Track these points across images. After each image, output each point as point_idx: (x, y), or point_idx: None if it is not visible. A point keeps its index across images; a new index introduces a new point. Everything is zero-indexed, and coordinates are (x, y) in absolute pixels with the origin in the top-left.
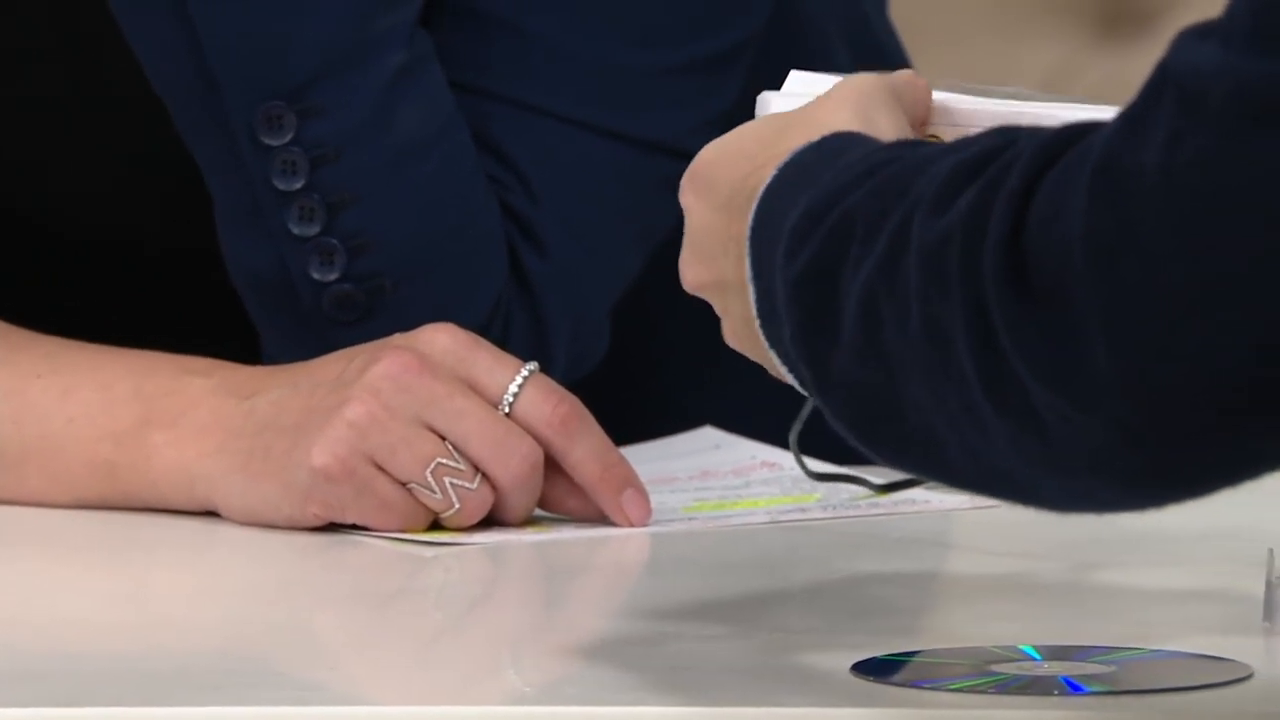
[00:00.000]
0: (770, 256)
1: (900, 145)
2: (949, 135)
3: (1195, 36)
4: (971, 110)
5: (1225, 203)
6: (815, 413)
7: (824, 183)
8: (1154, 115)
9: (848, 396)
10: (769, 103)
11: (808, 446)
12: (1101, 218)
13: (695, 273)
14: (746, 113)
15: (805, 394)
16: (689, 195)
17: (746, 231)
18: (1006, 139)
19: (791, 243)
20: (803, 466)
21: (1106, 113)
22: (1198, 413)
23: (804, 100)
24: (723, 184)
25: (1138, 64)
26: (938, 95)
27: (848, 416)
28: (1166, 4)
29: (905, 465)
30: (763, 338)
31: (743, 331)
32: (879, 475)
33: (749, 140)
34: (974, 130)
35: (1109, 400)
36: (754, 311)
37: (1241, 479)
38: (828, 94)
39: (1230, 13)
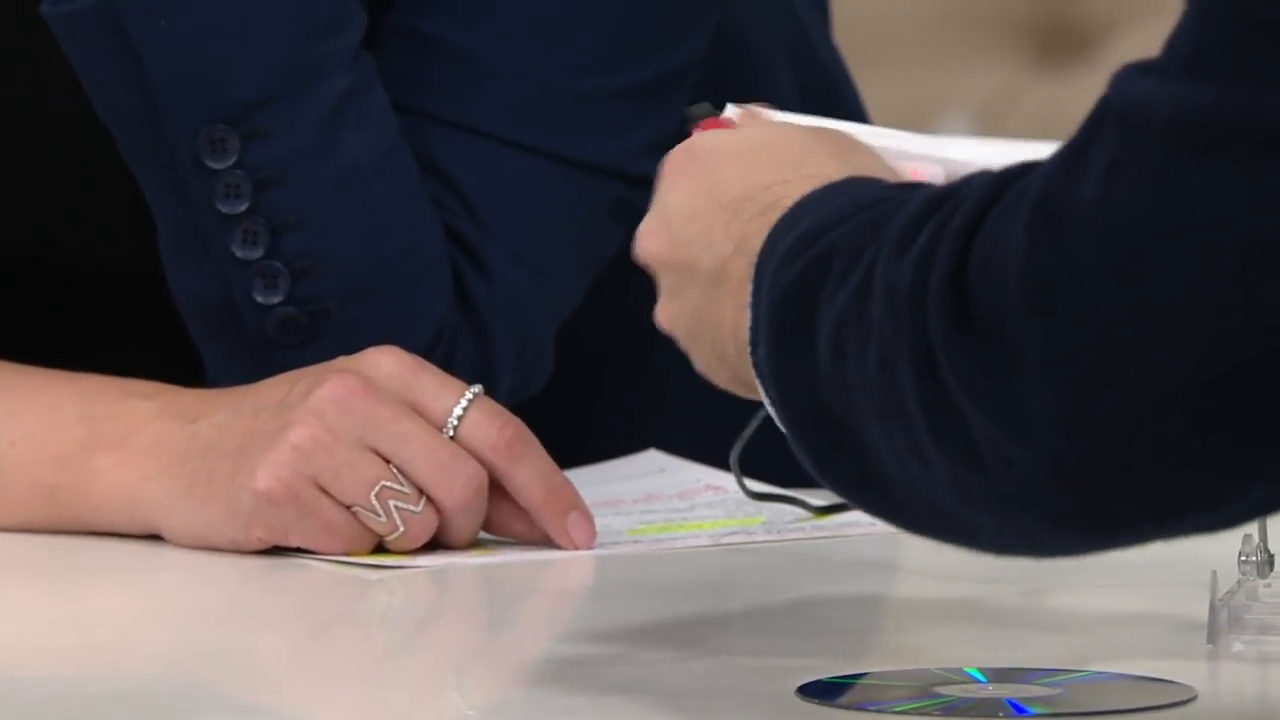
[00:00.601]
0: (763, 270)
1: (899, 186)
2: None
3: (1136, 71)
4: (898, 150)
5: (1163, 232)
6: (759, 435)
7: (826, 211)
8: (1093, 148)
9: (810, 424)
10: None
11: (751, 468)
12: (1039, 251)
13: (659, 246)
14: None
15: (769, 412)
16: (676, 171)
17: (759, 243)
18: (968, 180)
19: (783, 260)
20: (742, 486)
21: (1041, 150)
22: (1132, 449)
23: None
24: (731, 179)
25: (1077, 88)
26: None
27: (808, 444)
28: (1105, 29)
29: (856, 500)
30: (748, 345)
31: (687, 320)
32: (819, 497)
33: (774, 149)
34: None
35: (1046, 434)
36: (747, 318)
37: (1172, 524)
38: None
39: (1170, 45)
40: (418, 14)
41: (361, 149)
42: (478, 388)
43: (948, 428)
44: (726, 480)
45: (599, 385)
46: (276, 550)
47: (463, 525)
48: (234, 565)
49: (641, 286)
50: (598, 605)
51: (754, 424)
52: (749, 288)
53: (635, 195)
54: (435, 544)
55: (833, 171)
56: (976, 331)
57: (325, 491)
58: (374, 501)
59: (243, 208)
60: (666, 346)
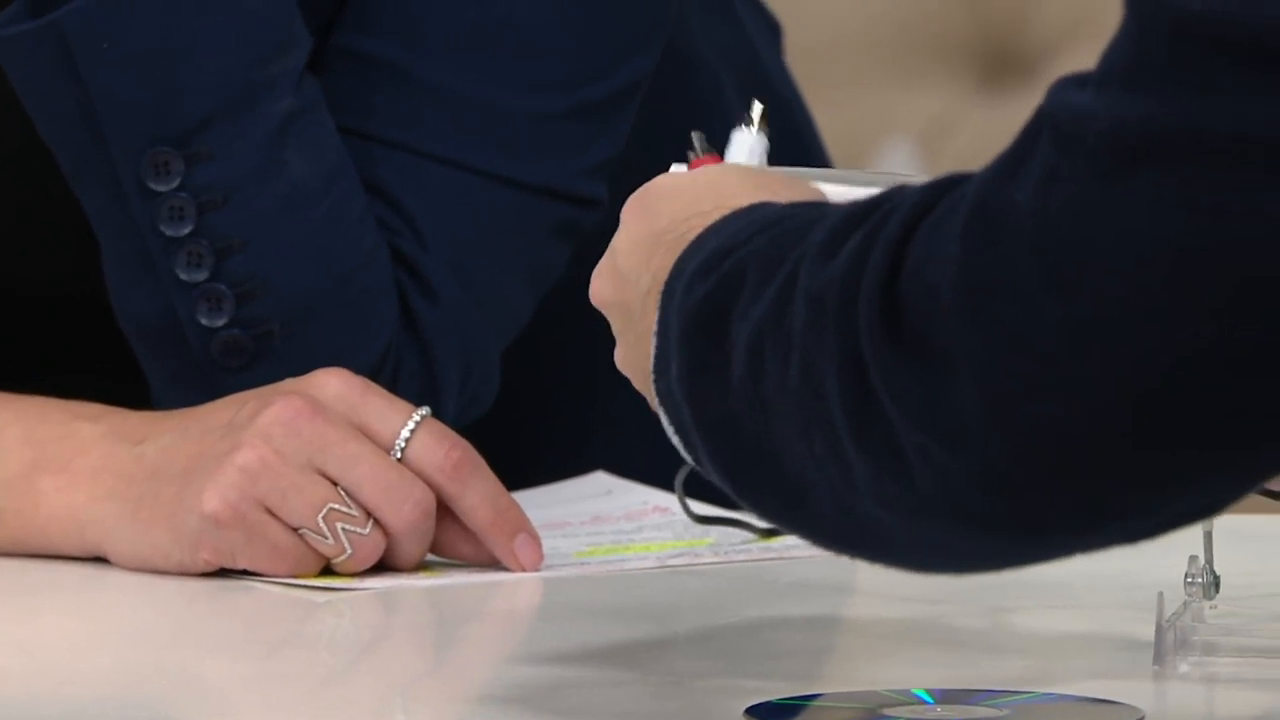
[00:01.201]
0: (670, 295)
1: (806, 205)
2: None
3: (1073, 83)
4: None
5: (1096, 242)
6: None
7: (733, 230)
8: (1029, 157)
9: (725, 441)
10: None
11: (698, 491)
12: (974, 258)
13: (605, 288)
14: (634, 155)
15: (678, 442)
16: (630, 212)
17: (665, 273)
18: (898, 190)
19: (691, 281)
20: (687, 511)
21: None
22: (1061, 456)
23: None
24: (664, 215)
25: (1019, 113)
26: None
27: (723, 461)
28: (1048, 54)
29: (775, 516)
30: (652, 378)
31: (632, 357)
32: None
33: (706, 184)
34: None
35: (976, 440)
36: (652, 348)
37: (1098, 533)
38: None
39: (1106, 58)
40: (363, 35)
41: (306, 171)
42: (425, 409)
43: (873, 433)
44: (674, 502)
45: (546, 407)
46: (223, 572)
47: (410, 547)
48: (181, 587)
49: (589, 307)
50: (545, 627)
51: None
52: (655, 315)
53: (581, 216)
54: (383, 566)
55: (747, 202)
56: (908, 337)
57: (272, 514)
58: (321, 524)
59: (186, 230)
60: (614, 367)
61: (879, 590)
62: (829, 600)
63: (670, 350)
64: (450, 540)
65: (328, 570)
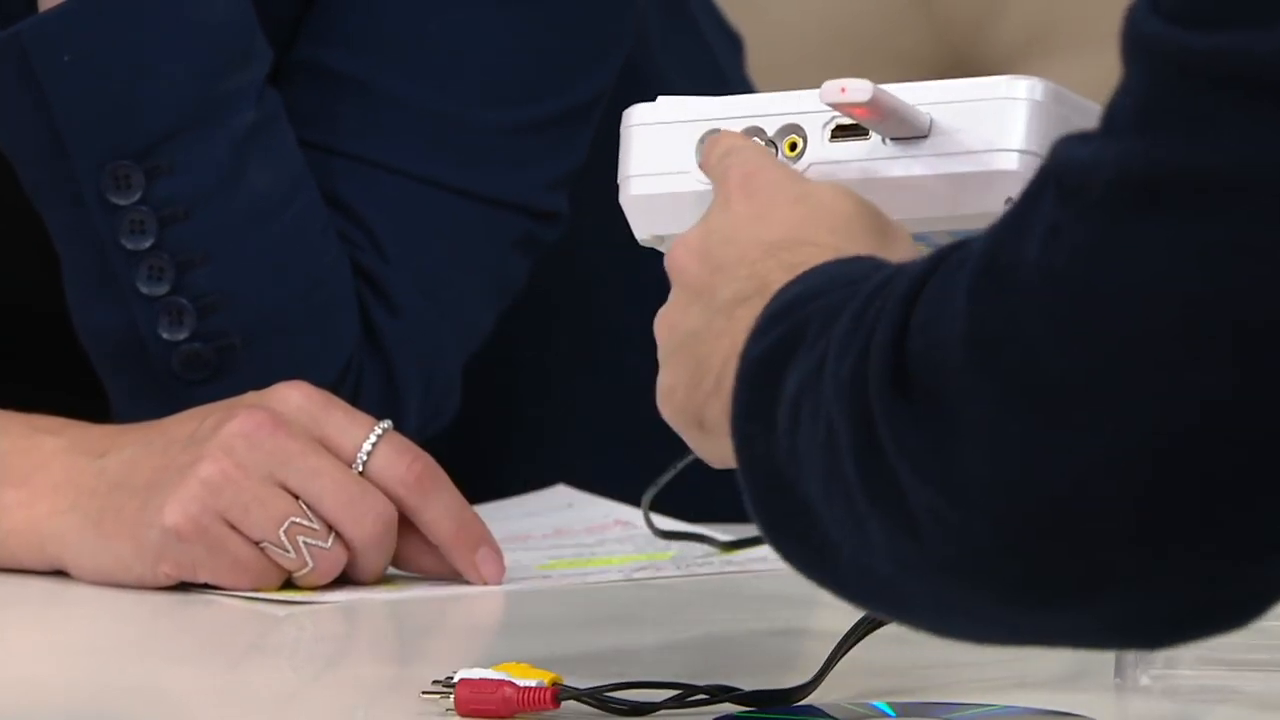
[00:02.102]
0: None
1: (900, 267)
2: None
3: (1077, 140)
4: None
5: (1104, 294)
6: (690, 479)
7: (816, 281)
8: (1034, 213)
9: (765, 489)
10: (632, 114)
11: (660, 505)
12: (981, 314)
13: (690, 263)
14: (594, 169)
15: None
16: (738, 195)
17: (767, 295)
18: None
19: (763, 323)
20: (651, 526)
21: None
22: (1076, 517)
23: (673, 122)
24: (778, 223)
25: None
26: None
27: (762, 510)
28: (1005, 66)
29: (806, 571)
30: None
31: (681, 336)
32: (727, 533)
33: (825, 206)
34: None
35: (986, 498)
36: (734, 370)
37: (1116, 597)
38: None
39: (1110, 108)
40: (323, 48)
41: (267, 184)
42: (387, 423)
43: (884, 492)
44: (635, 516)
45: (508, 420)
46: (185, 586)
47: (372, 560)
48: (142, 600)
49: (549, 320)
50: (507, 640)
51: (671, 472)
52: (742, 338)
53: (541, 229)
54: (344, 579)
55: (861, 248)
56: (915, 393)
57: (234, 527)
58: (283, 537)
59: (148, 243)
60: (575, 381)
61: (840, 603)
62: (790, 612)
63: (734, 391)
64: (412, 553)
65: (289, 584)
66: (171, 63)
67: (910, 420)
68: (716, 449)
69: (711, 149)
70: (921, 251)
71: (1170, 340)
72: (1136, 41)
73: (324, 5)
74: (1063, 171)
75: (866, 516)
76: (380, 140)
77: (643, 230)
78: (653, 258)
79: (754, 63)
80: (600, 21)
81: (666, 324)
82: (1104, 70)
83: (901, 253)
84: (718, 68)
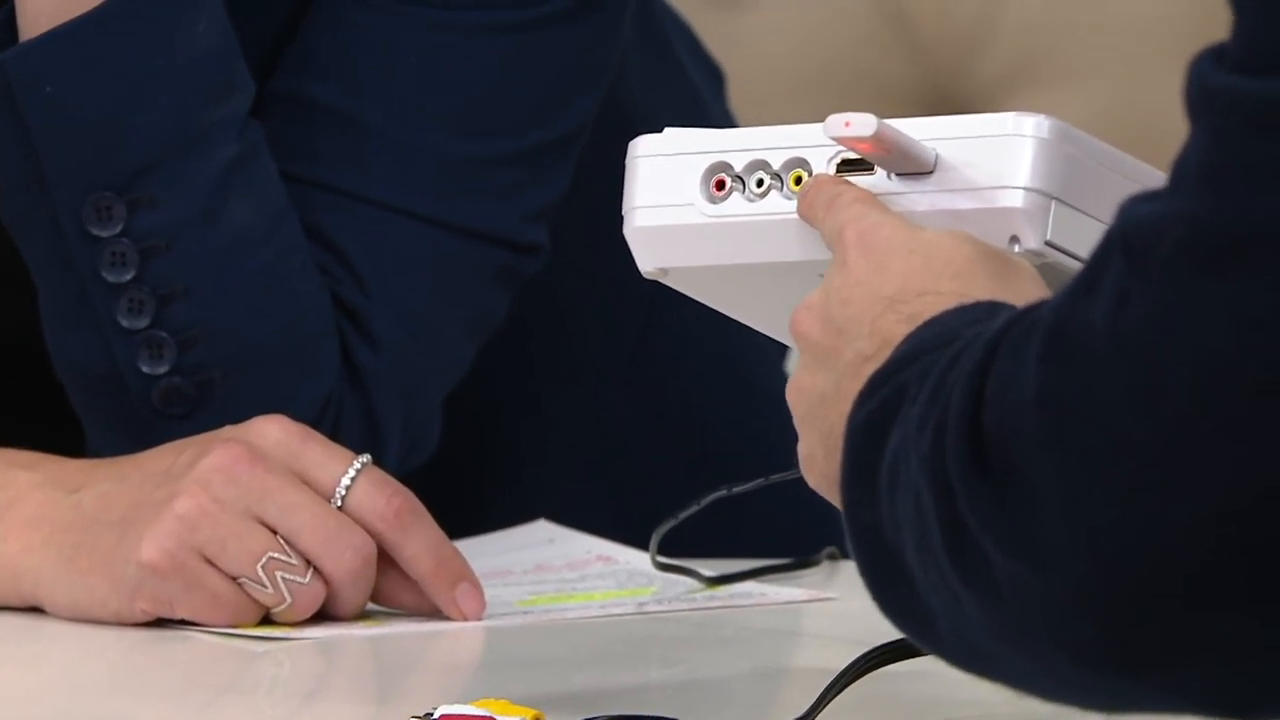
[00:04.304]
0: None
1: (1011, 308)
2: None
3: (1144, 199)
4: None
5: (1175, 358)
6: (658, 506)
7: (926, 336)
8: (1103, 276)
9: (871, 555)
10: (638, 146)
11: (643, 540)
12: (1052, 382)
13: (813, 329)
14: (574, 203)
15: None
16: (856, 254)
17: (890, 348)
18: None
19: (868, 388)
20: (654, 558)
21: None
22: (1155, 582)
23: (679, 154)
24: (895, 275)
25: None
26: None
27: (869, 575)
28: (991, 100)
29: (914, 636)
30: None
31: (811, 401)
32: (711, 568)
33: (943, 254)
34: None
35: (1065, 565)
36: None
37: (1200, 663)
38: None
39: (1178, 164)
40: (305, 80)
41: (249, 217)
42: (366, 457)
43: (970, 564)
44: (616, 551)
45: (488, 454)
46: (161, 622)
47: (351, 596)
48: (119, 637)
49: (531, 354)
50: (488, 677)
51: (690, 510)
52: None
53: (522, 262)
54: (323, 615)
55: (982, 291)
56: (991, 464)
57: (211, 562)
58: (260, 573)
59: (128, 276)
60: (554, 415)
61: (828, 639)
62: (778, 649)
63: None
64: (391, 589)
65: (267, 620)
66: (154, 94)
67: (988, 495)
68: None
69: (814, 197)
70: (1046, 292)
71: (1244, 402)
72: (1201, 96)
73: (306, 36)
74: (1130, 232)
75: (958, 588)
76: (361, 173)
77: (647, 263)
78: (634, 289)
79: (735, 96)
80: (582, 53)
81: (796, 389)
82: (1089, 103)
83: (1026, 290)
84: (700, 101)
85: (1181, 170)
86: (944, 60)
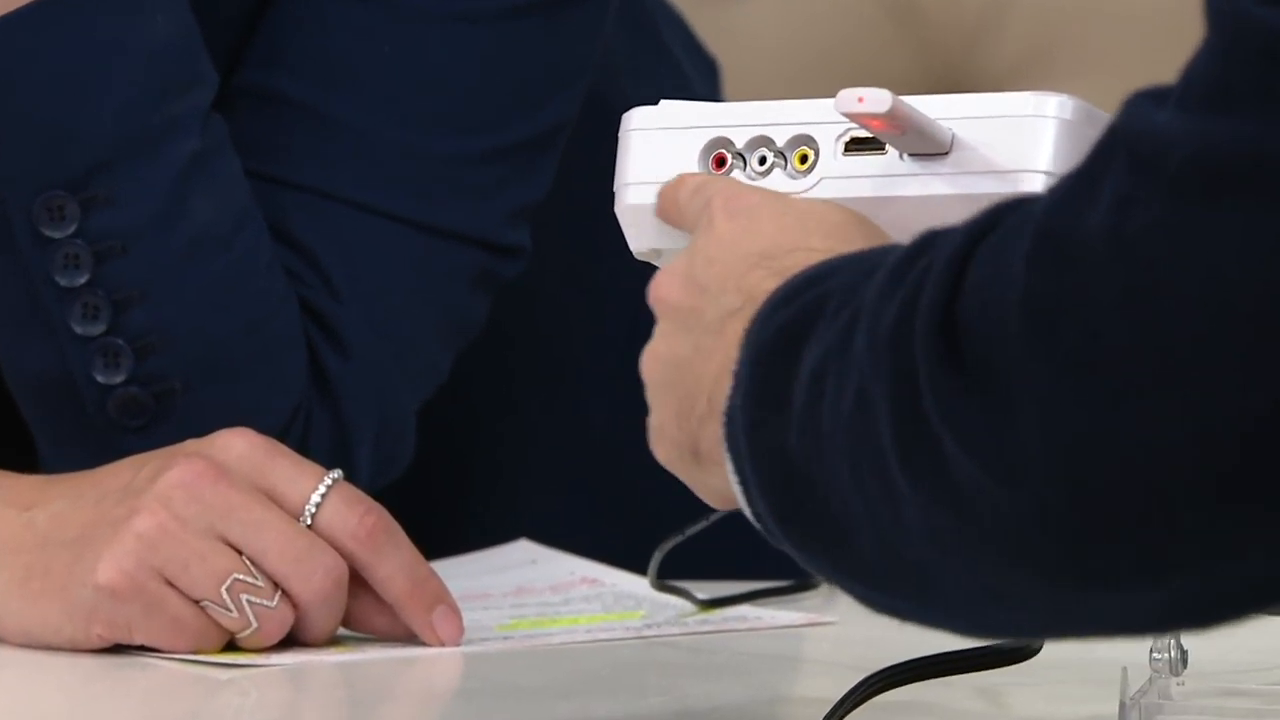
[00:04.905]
0: (753, 325)
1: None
2: None
3: (1149, 99)
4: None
5: (1178, 273)
6: (656, 532)
7: (825, 265)
8: (1102, 179)
9: (776, 474)
10: (631, 118)
11: (632, 561)
12: (1041, 283)
13: (673, 290)
14: (559, 204)
15: (737, 488)
16: (723, 217)
17: (758, 302)
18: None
19: (771, 306)
20: (652, 576)
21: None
22: (1129, 498)
23: (675, 128)
24: (765, 234)
25: None
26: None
27: (770, 492)
28: (998, 88)
29: (820, 562)
30: (723, 405)
31: (666, 367)
32: (705, 591)
33: (816, 216)
34: None
35: (1036, 475)
36: (729, 381)
37: (1167, 587)
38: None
39: (1188, 75)
40: (272, 73)
41: (211, 217)
42: (337, 472)
43: (925, 463)
44: (603, 573)
45: (466, 470)
46: (119, 648)
47: (321, 620)
48: (74, 664)
49: (512, 363)
50: (466, 707)
51: (699, 525)
52: (737, 342)
53: (501, 264)
54: (291, 640)
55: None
56: (967, 363)
57: (172, 585)
58: (225, 595)
59: (82, 280)
60: (535, 428)
61: (828, 665)
62: (773, 676)
63: (740, 377)
64: (364, 612)
65: (232, 645)
66: (110, 87)
67: (959, 389)
68: (717, 482)
69: (675, 192)
70: None
71: (1247, 331)
72: (1219, 13)
73: (272, 27)
74: (1135, 139)
75: (902, 490)
76: (331, 170)
77: (638, 243)
78: (620, 295)
79: (731, 88)
80: (564, 44)
81: (651, 358)
82: (1105, 97)
83: None
84: (693, 95)
85: (1191, 80)
86: (950, 51)
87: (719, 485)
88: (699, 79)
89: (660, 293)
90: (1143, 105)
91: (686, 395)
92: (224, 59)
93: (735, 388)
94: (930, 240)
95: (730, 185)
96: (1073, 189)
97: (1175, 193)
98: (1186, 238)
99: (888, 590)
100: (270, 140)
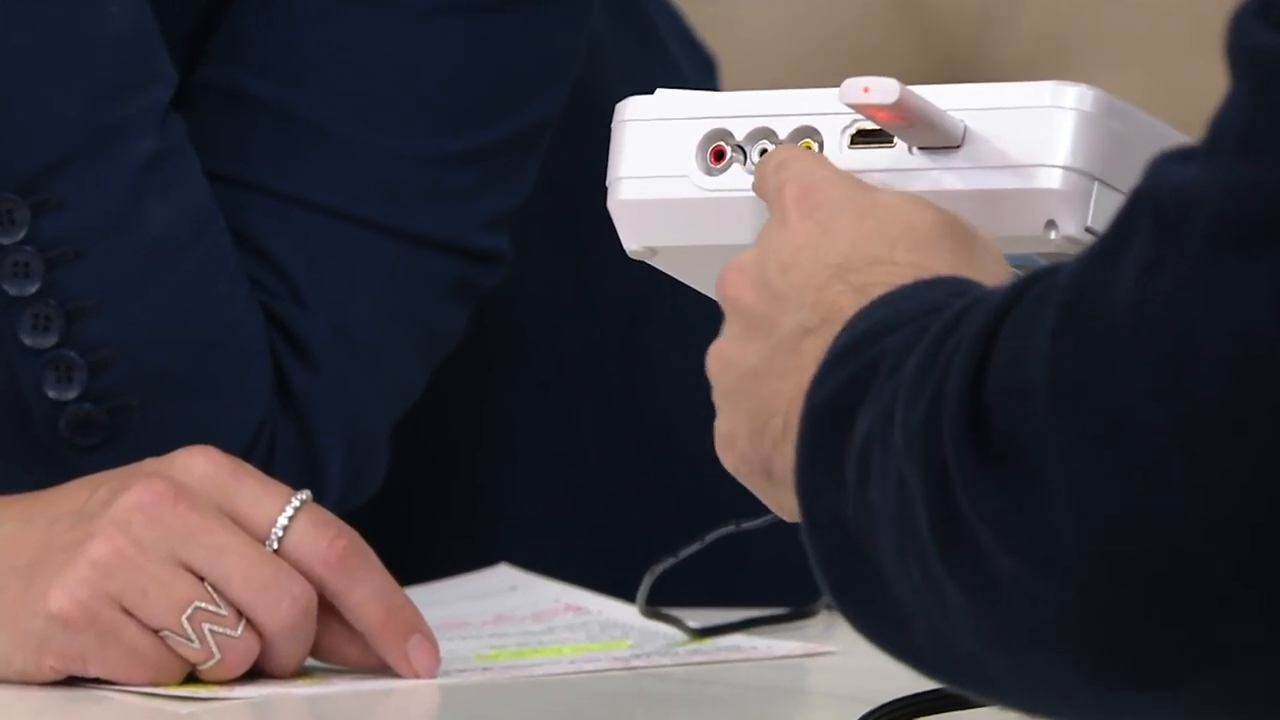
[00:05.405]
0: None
1: (977, 289)
2: None
3: (1175, 158)
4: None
5: (1208, 339)
6: (645, 555)
7: (893, 311)
8: (1128, 245)
9: (831, 548)
10: (626, 108)
11: (619, 588)
12: (1068, 359)
13: (745, 291)
14: (545, 209)
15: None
16: (797, 212)
17: (837, 324)
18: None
19: (831, 360)
20: (641, 601)
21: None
22: (1170, 585)
23: (672, 118)
24: (843, 238)
25: None
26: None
27: (828, 572)
28: (988, 58)
29: (878, 641)
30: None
31: (739, 374)
32: (696, 619)
33: (898, 216)
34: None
35: (1072, 566)
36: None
37: (1216, 675)
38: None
39: (1216, 127)
40: (234, 69)
41: (169, 222)
42: (305, 493)
43: (962, 556)
44: (588, 600)
45: (443, 490)
46: (73, 681)
47: (288, 651)
48: (23, 698)
49: (492, 374)
50: None
51: (693, 548)
52: (811, 372)
53: (479, 273)
54: (256, 672)
55: (944, 266)
56: (995, 448)
57: (129, 613)
58: (186, 625)
59: (32, 289)
60: (516, 445)
61: (828, 697)
62: (771, 708)
63: (799, 441)
64: (334, 642)
65: (193, 677)
66: (60, 84)
67: (989, 479)
68: (790, 501)
69: (765, 166)
70: (1015, 271)
71: None
72: (1242, 52)
73: (235, 19)
74: (1161, 197)
75: (945, 586)
76: (298, 173)
77: (633, 240)
78: (611, 298)
79: (729, 85)
80: (547, 39)
81: (721, 360)
82: (1122, 92)
83: (992, 270)
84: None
85: (1219, 131)
86: (958, 44)
87: (791, 504)
88: (695, 75)
89: (730, 291)
90: (1168, 165)
91: (760, 411)
92: (183, 53)
93: (797, 451)
94: (964, 311)
95: (807, 170)
96: (1098, 257)
97: (1202, 250)
98: (1216, 295)
99: (945, 677)
100: (233, 140)
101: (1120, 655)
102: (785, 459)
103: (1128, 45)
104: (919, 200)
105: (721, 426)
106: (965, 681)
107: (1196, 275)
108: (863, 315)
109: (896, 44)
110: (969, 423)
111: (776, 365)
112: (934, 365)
